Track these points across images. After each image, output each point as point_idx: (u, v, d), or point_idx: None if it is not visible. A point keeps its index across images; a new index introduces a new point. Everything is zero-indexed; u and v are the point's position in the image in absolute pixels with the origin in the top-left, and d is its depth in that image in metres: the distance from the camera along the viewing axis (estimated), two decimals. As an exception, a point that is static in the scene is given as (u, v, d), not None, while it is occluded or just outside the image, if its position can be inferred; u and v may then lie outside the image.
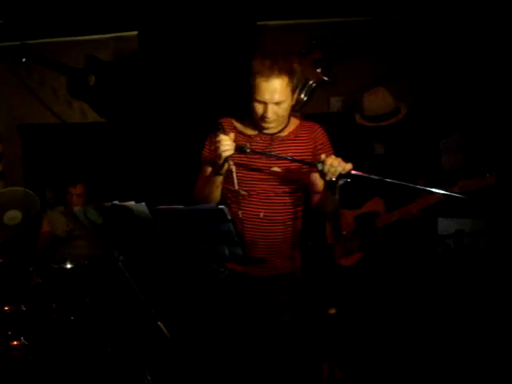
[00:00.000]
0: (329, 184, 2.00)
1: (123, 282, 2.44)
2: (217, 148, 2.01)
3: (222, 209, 1.80)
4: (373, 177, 1.99)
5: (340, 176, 1.95)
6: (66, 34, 4.12)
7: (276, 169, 2.18)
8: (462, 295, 2.82)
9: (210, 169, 2.21)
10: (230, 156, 2.02)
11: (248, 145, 2.13)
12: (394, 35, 3.65)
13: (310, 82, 3.87)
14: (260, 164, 2.18)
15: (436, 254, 2.90)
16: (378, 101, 3.14)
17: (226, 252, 1.98)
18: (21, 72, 4.26)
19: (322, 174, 1.98)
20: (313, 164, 2.04)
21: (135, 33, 3.98)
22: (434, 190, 2.05)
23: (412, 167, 2.98)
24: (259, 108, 2.11)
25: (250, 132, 2.23)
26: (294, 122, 2.27)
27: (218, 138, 2.02)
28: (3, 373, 2.69)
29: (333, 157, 1.97)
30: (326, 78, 3.85)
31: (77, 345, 2.84)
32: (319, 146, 2.23)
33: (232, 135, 2.07)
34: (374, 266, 3.00)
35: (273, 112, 2.10)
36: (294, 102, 2.18)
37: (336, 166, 1.94)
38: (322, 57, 3.82)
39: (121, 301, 2.98)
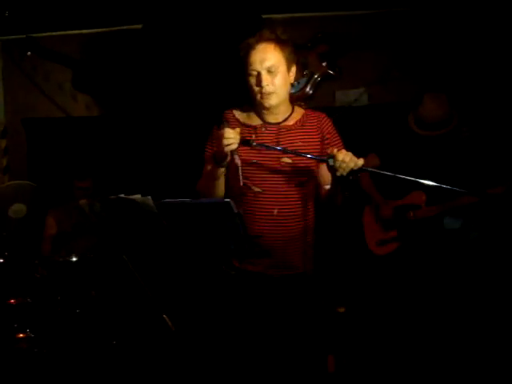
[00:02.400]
0: (339, 179, 1.93)
1: (128, 275, 2.44)
2: (220, 142, 1.95)
3: (228, 202, 1.79)
4: (384, 173, 1.95)
5: (351, 172, 1.88)
6: (71, 28, 4.11)
7: (286, 159, 2.11)
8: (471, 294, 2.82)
9: (209, 163, 2.17)
10: (235, 150, 1.96)
11: (254, 137, 2.08)
12: (400, 29, 3.63)
13: (315, 76, 3.85)
14: (269, 157, 2.11)
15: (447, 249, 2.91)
16: (435, 109, 3.06)
17: (232, 246, 1.97)
18: (25, 65, 4.25)
19: (333, 170, 1.91)
20: (323, 159, 1.96)
21: (139, 26, 3.98)
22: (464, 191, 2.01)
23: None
24: (254, 81, 2.06)
25: (255, 123, 2.17)
26: (300, 111, 2.22)
27: (222, 131, 1.96)
28: (9, 365, 2.71)
29: (344, 152, 1.90)
30: (331, 72, 3.83)
31: (82, 337, 2.85)
32: (327, 135, 2.18)
33: (238, 129, 2.01)
34: (408, 257, 3.02)
35: (267, 80, 2.04)
36: (292, 80, 2.14)
37: (348, 161, 1.87)
38: (328, 50, 3.80)
39: (126, 294, 2.99)
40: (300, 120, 2.19)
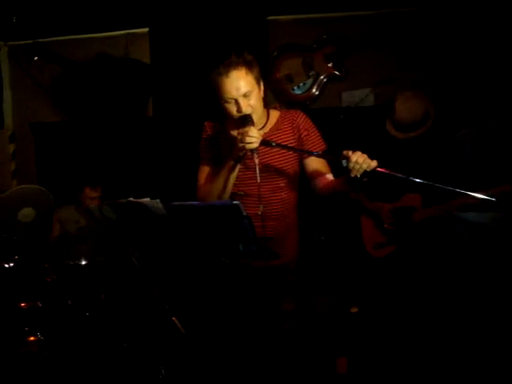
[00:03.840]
0: (352, 181, 1.94)
1: (138, 278, 2.46)
2: (241, 139, 1.99)
3: (237, 205, 1.80)
4: (399, 175, 1.90)
5: (365, 173, 1.89)
6: (77, 32, 4.13)
7: (266, 166, 2.17)
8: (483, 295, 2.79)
9: (207, 168, 2.25)
10: (256, 149, 2.00)
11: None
12: (406, 29, 3.62)
13: (321, 77, 3.85)
14: (251, 163, 2.15)
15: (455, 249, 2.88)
16: (410, 110, 3.05)
17: (241, 248, 1.98)
18: (33, 70, 4.28)
19: (346, 171, 1.92)
20: (337, 160, 1.96)
21: (146, 29, 4.00)
22: (472, 194, 1.94)
23: (433, 163, 2.96)
24: (232, 107, 2.11)
25: (235, 134, 2.19)
26: (275, 115, 2.27)
27: (246, 129, 2.00)
28: (20, 368, 2.73)
29: (358, 153, 1.90)
30: (337, 73, 3.83)
31: (92, 340, 2.86)
32: (304, 133, 2.22)
33: (260, 131, 2.08)
34: (406, 259, 3.00)
35: (246, 105, 2.09)
36: (263, 94, 2.18)
37: (361, 163, 1.88)
38: (334, 51, 3.80)
39: (136, 297, 3.00)
40: (275, 125, 2.24)
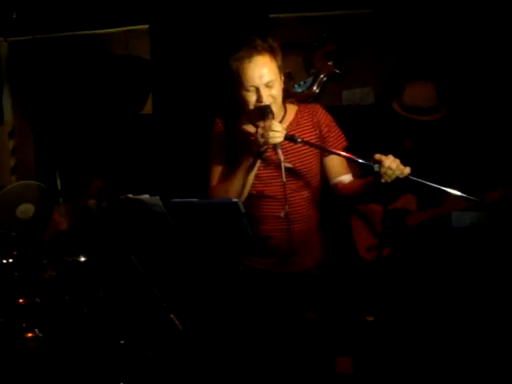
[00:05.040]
0: (380, 186, 1.84)
1: (136, 275, 2.45)
2: (264, 134, 1.88)
3: (235, 202, 1.79)
4: (433, 185, 1.81)
5: (396, 180, 1.79)
6: (77, 28, 4.12)
7: (287, 164, 2.04)
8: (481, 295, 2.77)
9: (220, 167, 2.16)
10: (279, 144, 1.90)
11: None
12: (408, 27, 3.61)
13: (322, 76, 3.85)
14: (272, 161, 2.08)
15: (452, 249, 2.86)
16: (422, 92, 2.94)
17: (240, 246, 1.98)
18: (32, 66, 4.26)
19: (377, 176, 1.82)
20: (368, 165, 1.85)
21: (146, 26, 3.99)
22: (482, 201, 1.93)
23: (438, 165, 2.92)
24: (252, 97, 1.97)
25: (251, 129, 2.12)
26: (293, 110, 2.16)
27: (268, 123, 1.89)
28: (18, 364, 2.72)
29: (391, 158, 1.79)
30: (337, 71, 3.83)
31: (90, 337, 2.86)
32: (325, 129, 2.12)
33: (283, 124, 1.97)
34: (400, 261, 2.93)
35: (267, 95, 1.96)
36: (283, 85, 2.07)
37: (394, 168, 1.77)
38: (334, 50, 3.80)
39: (134, 294, 3.00)
40: (294, 119, 2.14)
